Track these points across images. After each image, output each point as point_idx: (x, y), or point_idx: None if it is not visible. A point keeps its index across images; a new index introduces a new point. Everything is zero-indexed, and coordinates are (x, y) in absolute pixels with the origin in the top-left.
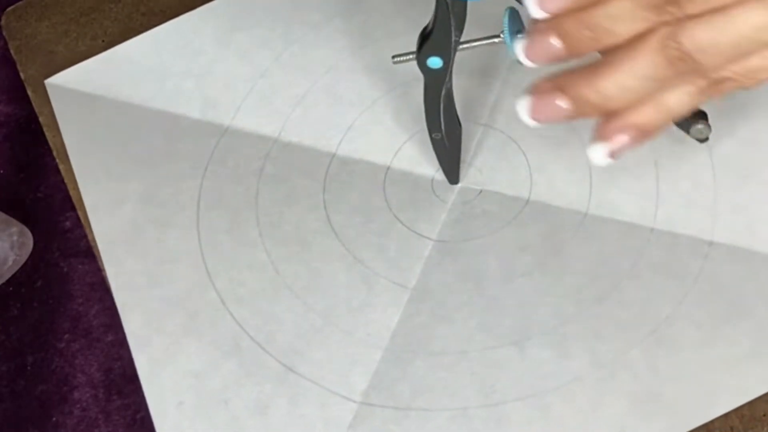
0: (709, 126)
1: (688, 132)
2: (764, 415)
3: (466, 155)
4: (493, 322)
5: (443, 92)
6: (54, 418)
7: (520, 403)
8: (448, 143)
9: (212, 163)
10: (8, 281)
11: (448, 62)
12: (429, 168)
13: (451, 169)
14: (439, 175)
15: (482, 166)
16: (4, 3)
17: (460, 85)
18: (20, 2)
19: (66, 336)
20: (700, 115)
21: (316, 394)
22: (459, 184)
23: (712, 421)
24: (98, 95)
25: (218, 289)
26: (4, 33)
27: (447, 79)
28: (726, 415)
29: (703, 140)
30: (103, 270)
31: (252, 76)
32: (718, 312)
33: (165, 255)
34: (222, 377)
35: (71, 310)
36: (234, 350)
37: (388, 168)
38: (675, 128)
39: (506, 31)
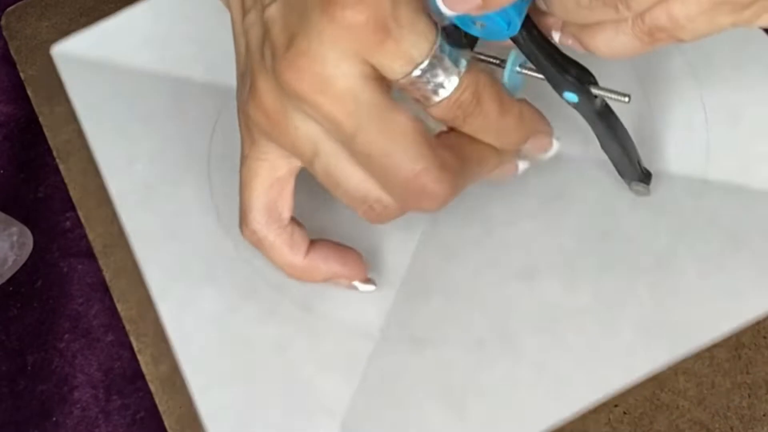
0: (648, 188)
1: (628, 186)
2: (764, 415)
3: None
4: (501, 260)
5: None
6: (54, 418)
7: (532, 333)
8: None
9: (219, 123)
10: (8, 281)
11: None
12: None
13: None
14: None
15: None
16: (4, 3)
17: None
18: (20, 2)
19: (66, 336)
20: (646, 176)
21: (334, 331)
22: None
23: (712, 421)
24: (103, 61)
25: (233, 238)
26: (4, 33)
27: None
28: (726, 415)
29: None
30: (104, 270)
31: None
32: (715, 244)
33: (179, 210)
34: (242, 320)
35: (71, 310)
36: (252, 294)
37: None
38: (669, 78)
39: None
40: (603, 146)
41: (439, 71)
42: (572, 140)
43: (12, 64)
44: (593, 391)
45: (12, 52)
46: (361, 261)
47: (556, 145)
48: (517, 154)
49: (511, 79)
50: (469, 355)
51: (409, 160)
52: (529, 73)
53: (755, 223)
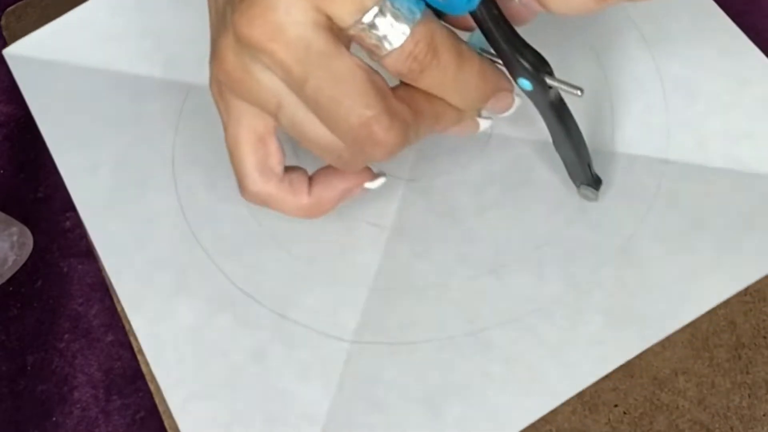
0: (597, 194)
1: (577, 188)
2: (764, 415)
3: None
4: (470, 254)
5: None
6: (54, 418)
7: (503, 328)
8: None
9: (182, 121)
10: (8, 281)
11: None
12: None
13: None
14: None
15: None
16: (4, 3)
17: None
18: (20, 2)
19: (66, 336)
20: (596, 182)
21: (309, 337)
22: None
23: (712, 421)
24: (59, 61)
25: (203, 245)
26: (4, 33)
27: None
28: (726, 415)
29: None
30: (103, 270)
31: None
32: (678, 226)
33: (147, 216)
34: (218, 330)
35: (71, 310)
36: (226, 303)
37: None
38: (626, 57)
39: None
40: (555, 143)
41: (390, 19)
42: (536, 124)
43: None
44: (568, 384)
45: None
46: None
47: (517, 102)
48: (478, 111)
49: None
50: (442, 353)
51: (357, 106)
52: (487, 56)
53: (714, 200)
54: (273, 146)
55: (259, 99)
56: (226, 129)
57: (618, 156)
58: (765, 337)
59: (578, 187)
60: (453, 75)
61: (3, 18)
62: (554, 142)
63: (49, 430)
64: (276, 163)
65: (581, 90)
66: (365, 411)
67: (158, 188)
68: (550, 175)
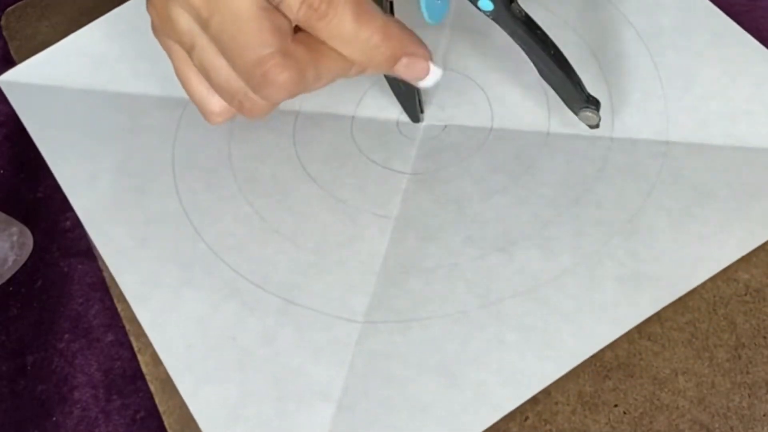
0: (597, 114)
1: (577, 116)
2: (764, 415)
3: (426, 96)
4: (478, 236)
5: None
6: (54, 418)
7: (516, 299)
8: (402, 83)
9: (180, 132)
10: (8, 281)
11: None
12: (392, 112)
13: (411, 106)
14: (403, 117)
15: (443, 104)
16: (4, 3)
17: None
18: (20, 2)
19: (66, 336)
20: (592, 102)
21: (319, 320)
22: (423, 123)
23: (712, 421)
24: (55, 86)
25: (207, 242)
26: (4, 33)
27: (388, 9)
28: (726, 415)
29: (593, 126)
30: (104, 270)
31: None
32: (683, 199)
33: (149, 218)
34: (225, 317)
35: (71, 310)
36: (233, 293)
37: (353, 117)
38: (622, 52)
39: None
40: (539, 69)
41: None
42: (535, 114)
43: (12, 64)
44: (583, 345)
45: (12, 52)
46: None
47: (436, 73)
48: (424, 57)
49: (429, 5)
50: (455, 326)
51: (254, 44)
52: None
53: (718, 175)
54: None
55: (179, 38)
56: (172, 64)
57: (619, 141)
58: (765, 337)
59: (577, 113)
60: (351, 27)
61: (3, 18)
62: (537, 68)
63: (49, 430)
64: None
65: None
66: (380, 385)
67: (159, 192)
68: (553, 163)
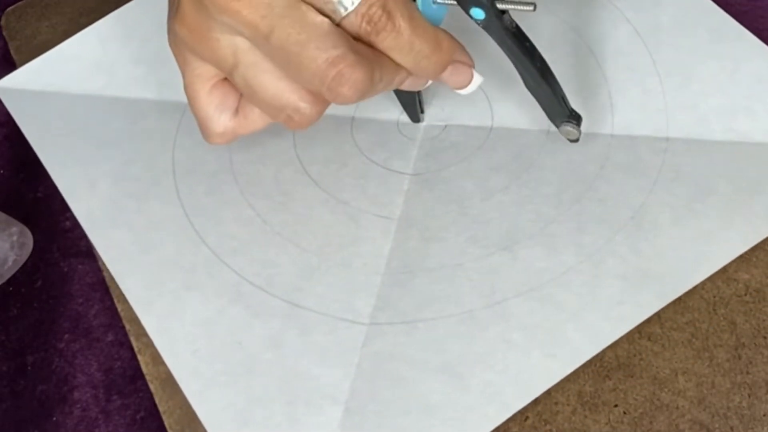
0: (578, 130)
1: (558, 128)
2: (764, 415)
3: (426, 96)
4: (481, 235)
5: None
6: (54, 418)
7: (521, 298)
8: None
9: (180, 136)
10: (8, 281)
11: None
12: (392, 113)
13: (411, 106)
14: (403, 118)
15: (443, 104)
16: (4, 3)
17: None
18: (20, 2)
19: (66, 336)
20: (574, 116)
21: (325, 322)
22: (423, 123)
23: (712, 421)
24: (52, 92)
25: (210, 246)
26: (4, 33)
27: None
28: (726, 415)
29: (573, 140)
30: (103, 270)
31: None
32: (685, 194)
33: (150, 223)
34: (231, 321)
35: (71, 310)
36: (237, 296)
37: (353, 118)
38: (620, 50)
39: None
40: (525, 80)
41: None
42: (535, 113)
43: (12, 64)
44: (588, 343)
45: (12, 52)
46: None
47: (477, 79)
48: (469, 65)
49: (426, 11)
50: (461, 326)
51: (323, 48)
52: (443, 2)
53: (719, 171)
54: (228, 86)
55: (216, 57)
56: (184, 81)
57: (619, 138)
58: (765, 337)
59: (559, 126)
60: (408, 38)
61: (3, 18)
62: (523, 79)
63: (49, 430)
64: (233, 101)
65: (534, 5)
66: (387, 386)
67: (160, 197)
68: (554, 162)
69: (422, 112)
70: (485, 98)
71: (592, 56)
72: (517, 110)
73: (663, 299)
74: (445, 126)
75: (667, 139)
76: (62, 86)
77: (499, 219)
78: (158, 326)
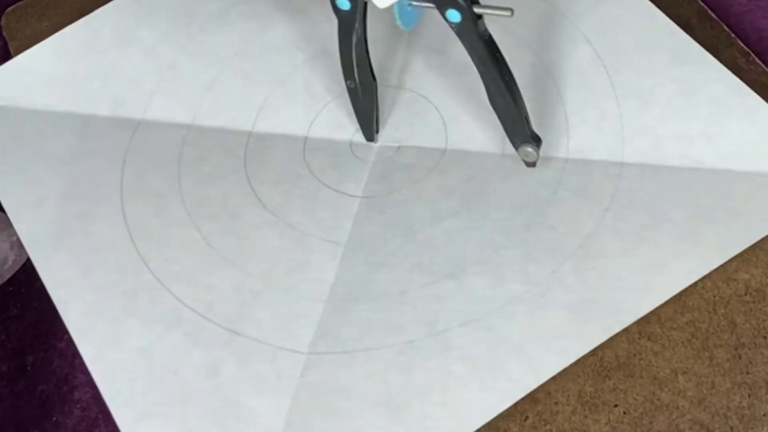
0: (537, 152)
1: (516, 150)
2: (764, 415)
3: (381, 115)
4: (428, 261)
5: (354, 40)
6: (54, 418)
7: (464, 328)
8: (362, 95)
9: (130, 155)
10: (8, 281)
11: (355, 6)
12: (346, 133)
13: (367, 123)
14: (357, 138)
15: (398, 124)
16: (4, 3)
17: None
18: (20, 2)
19: (66, 336)
20: (535, 138)
21: (264, 351)
22: (377, 143)
23: (712, 421)
24: (2, 106)
25: (153, 270)
26: (4, 33)
27: (357, 25)
28: (726, 415)
29: (530, 164)
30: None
31: (159, 69)
32: (638, 222)
33: (94, 245)
34: (168, 349)
35: None
36: (177, 323)
37: (306, 138)
38: (579, 70)
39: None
40: (490, 94)
41: None
42: (490, 135)
43: None
44: (529, 377)
45: (12, 52)
46: None
47: None
48: None
49: (402, 14)
50: (401, 356)
51: None
52: (419, 4)
53: (672, 197)
54: None
55: None
56: None
57: (574, 162)
58: (765, 337)
59: (518, 147)
60: None
61: (3, 18)
62: (489, 92)
63: (49, 430)
64: None
65: (511, 10)
66: (322, 418)
67: (105, 218)
68: (506, 186)
69: (377, 132)
70: (440, 119)
71: (550, 77)
72: (472, 132)
73: (608, 331)
74: (399, 147)
75: (622, 164)
76: (14, 100)
77: (447, 245)
78: (95, 354)
